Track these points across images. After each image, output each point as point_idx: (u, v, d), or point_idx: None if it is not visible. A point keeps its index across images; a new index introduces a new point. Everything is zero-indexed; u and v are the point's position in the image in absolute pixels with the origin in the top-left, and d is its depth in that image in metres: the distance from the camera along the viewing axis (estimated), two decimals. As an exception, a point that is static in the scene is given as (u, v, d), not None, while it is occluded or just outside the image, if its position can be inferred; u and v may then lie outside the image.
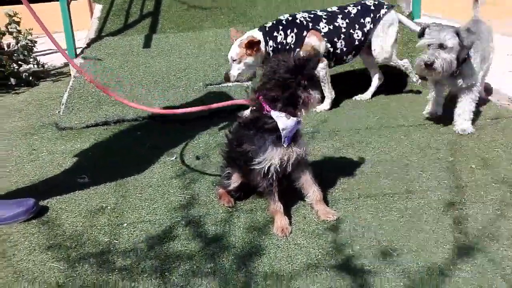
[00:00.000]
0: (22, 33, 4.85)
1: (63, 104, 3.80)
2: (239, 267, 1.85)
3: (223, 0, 5.44)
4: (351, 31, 3.46)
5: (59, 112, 3.78)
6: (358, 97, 3.81)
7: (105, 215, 2.24)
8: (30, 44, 4.91)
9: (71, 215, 2.26)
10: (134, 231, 2.12)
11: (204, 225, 2.14)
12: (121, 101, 2.52)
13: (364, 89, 3.92)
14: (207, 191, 2.45)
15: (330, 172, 2.56)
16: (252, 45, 3.25)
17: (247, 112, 2.73)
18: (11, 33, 4.93)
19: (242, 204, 2.31)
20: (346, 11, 3.52)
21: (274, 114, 1.97)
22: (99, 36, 4.90)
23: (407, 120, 3.25)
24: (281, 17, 3.47)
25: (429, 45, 2.78)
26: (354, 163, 2.65)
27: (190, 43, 4.66)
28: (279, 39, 3.34)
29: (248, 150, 2.07)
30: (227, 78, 3.41)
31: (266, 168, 2.03)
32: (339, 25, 3.44)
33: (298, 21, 3.40)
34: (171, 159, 2.86)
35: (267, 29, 3.38)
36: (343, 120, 3.35)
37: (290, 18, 3.43)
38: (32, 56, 4.99)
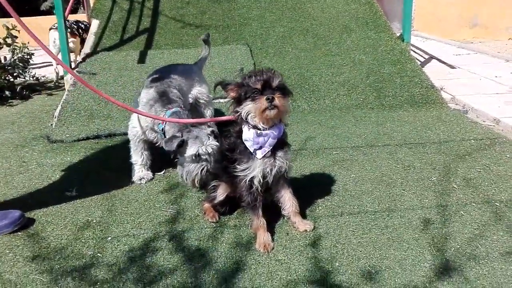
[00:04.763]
0: (19, 46, 4.92)
1: (55, 117, 3.85)
2: (219, 282, 1.87)
3: (219, 19, 5.54)
4: None
5: (51, 125, 3.83)
6: None
7: (90, 229, 2.27)
8: (26, 57, 4.98)
9: (57, 228, 2.29)
10: (118, 245, 2.14)
11: (188, 240, 2.17)
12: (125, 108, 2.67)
13: (354, 105, 3.99)
14: (193, 206, 2.48)
15: (315, 189, 2.61)
16: None
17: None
18: (8, 45, 5.00)
19: (226, 219, 2.35)
20: None
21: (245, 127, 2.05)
22: (95, 51, 4.97)
23: (393, 139, 3.31)
24: None
25: None
26: (339, 181, 2.70)
27: (184, 60, 4.73)
28: None
29: (236, 158, 2.12)
30: None
31: (248, 179, 2.08)
32: None
33: None
34: (160, 173, 2.89)
35: None
36: (330, 138, 3.41)
37: None
38: (27, 69, 5.06)
